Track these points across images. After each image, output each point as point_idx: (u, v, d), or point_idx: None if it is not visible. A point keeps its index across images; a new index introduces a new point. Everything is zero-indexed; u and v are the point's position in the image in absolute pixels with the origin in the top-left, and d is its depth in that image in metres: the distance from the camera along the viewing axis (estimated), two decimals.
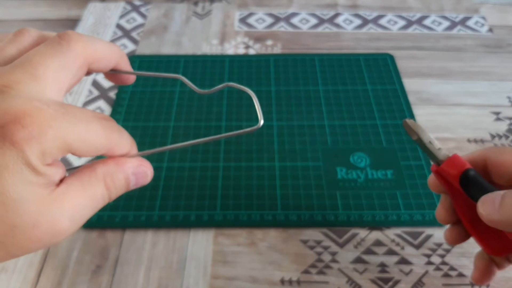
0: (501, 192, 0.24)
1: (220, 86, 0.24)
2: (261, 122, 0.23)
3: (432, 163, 0.26)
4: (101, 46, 0.22)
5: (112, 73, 0.24)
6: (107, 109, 0.47)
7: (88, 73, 0.23)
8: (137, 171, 0.22)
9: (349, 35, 0.56)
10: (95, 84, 0.50)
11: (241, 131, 0.23)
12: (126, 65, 0.24)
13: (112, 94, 0.48)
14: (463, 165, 0.25)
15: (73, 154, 0.19)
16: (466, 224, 0.27)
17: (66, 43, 0.20)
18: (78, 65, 0.21)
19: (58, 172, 0.19)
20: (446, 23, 0.57)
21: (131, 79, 0.25)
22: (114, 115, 0.45)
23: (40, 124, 0.17)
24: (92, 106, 0.47)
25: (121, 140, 0.21)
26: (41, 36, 0.22)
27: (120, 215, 0.37)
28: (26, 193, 0.17)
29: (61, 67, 0.20)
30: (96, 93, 0.49)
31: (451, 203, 0.28)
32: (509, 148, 0.27)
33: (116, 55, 0.23)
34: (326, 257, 0.35)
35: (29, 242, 0.18)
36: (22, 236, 0.18)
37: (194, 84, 0.25)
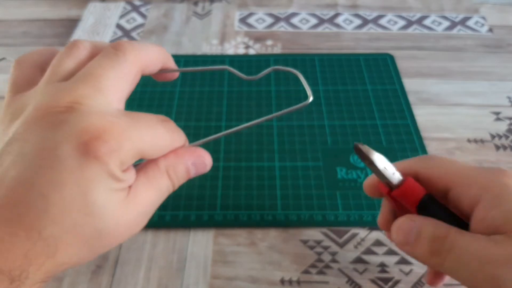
0: (417, 222, 0.23)
1: (267, 70, 0.26)
2: (310, 98, 0.24)
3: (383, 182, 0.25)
4: (151, 51, 0.23)
5: (160, 73, 0.25)
6: None
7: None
8: (196, 161, 0.24)
9: (349, 35, 0.56)
10: None
11: (292, 108, 0.24)
12: (171, 64, 0.26)
13: None
14: (419, 191, 0.23)
15: (144, 158, 0.21)
16: None
17: (122, 54, 0.22)
18: (134, 73, 0.22)
19: (132, 175, 0.21)
20: (446, 23, 0.57)
21: (175, 75, 0.27)
22: None
23: (118, 137, 0.19)
24: None
25: (179, 137, 0.23)
26: (94, 47, 0.23)
27: None
28: (109, 200, 0.19)
29: (120, 77, 0.21)
30: None
31: (392, 210, 0.27)
32: (436, 159, 0.25)
33: (163, 57, 0.24)
34: (326, 257, 0.35)
35: (112, 241, 0.20)
36: (107, 237, 0.19)
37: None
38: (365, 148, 0.24)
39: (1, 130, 0.20)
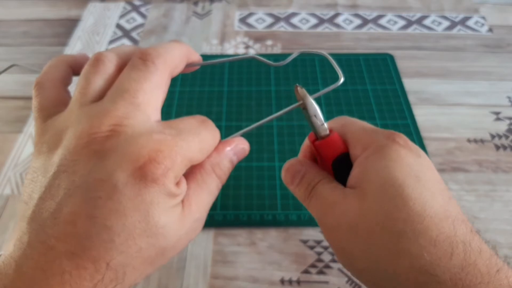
0: (304, 168, 0.25)
1: (294, 54, 0.27)
2: (342, 79, 0.25)
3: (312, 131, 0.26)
4: (176, 53, 0.23)
5: (186, 68, 0.25)
6: None
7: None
8: (236, 150, 0.24)
9: (349, 35, 0.56)
10: None
11: (325, 89, 0.25)
12: (194, 56, 0.25)
13: None
14: (338, 149, 0.24)
15: (193, 164, 0.21)
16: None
17: (151, 63, 0.21)
18: (166, 80, 0.22)
19: (185, 186, 0.21)
20: (446, 23, 0.57)
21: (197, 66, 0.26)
22: None
23: (170, 154, 0.19)
24: None
25: (218, 134, 0.23)
26: (119, 58, 0.22)
27: None
28: (170, 217, 0.19)
29: (155, 88, 0.21)
30: None
31: (313, 153, 0.28)
32: (345, 119, 0.26)
33: (186, 53, 0.24)
34: (326, 257, 0.35)
35: (174, 253, 0.20)
36: (170, 251, 0.20)
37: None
38: (302, 91, 0.25)
39: (42, 161, 0.19)
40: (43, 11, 0.60)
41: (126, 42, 0.55)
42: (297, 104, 0.25)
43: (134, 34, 0.56)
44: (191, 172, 0.22)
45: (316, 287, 0.33)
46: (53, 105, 0.22)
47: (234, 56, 0.26)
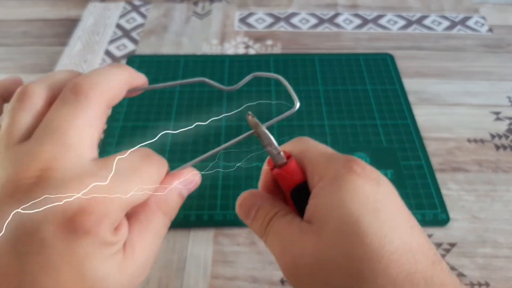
0: (259, 202, 0.23)
1: (247, 78, 0.24)
2: (297, 104, 0.23)
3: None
4: (113, 81, 0.20)
5: (130, 93, 0.23)
6: None
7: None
8: (186, 182, 0.22)
9: (349, 35, 0.56)
10: (108, 53, 0.51)
11: (278, 117, 0.23)
12: (138, 79, 0.22)
13: (123, 62, 0.49)
14: (296, 178, 0.23)
15: (134, 205, 0.19)
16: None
17: (83, 97, 0.19)
18: (101, 114, 0.20)
19: (125, 230, 0.19)
20: (446, 23, 0.58)
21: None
22: (114, 115, 0.45)
23: (104, 202, 0.17)
24: None
25: (164, 166, 0.21)
26: (49, 90, 0.20)
27: None
28: (108, 268, 0.17)
29: (89, 124, 0.19)
30: (109, 61, 0.53)
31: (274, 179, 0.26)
32: (303, 141, 0.25)
33: (127, 80, 0.21)
34: None
35: None
36: None
37: (195, 84, 0.24)
38: (253, 121, 0.23)
39: None
40: (43, 11, 0.60)
41: (126, 42, 0.55)
42: (249, 132, 0.23)
43: (134, 34, 0.56)
44: (134, 212, 0.20)
45: None
46: None
47: (182, 80, 0.24)
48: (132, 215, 0.20)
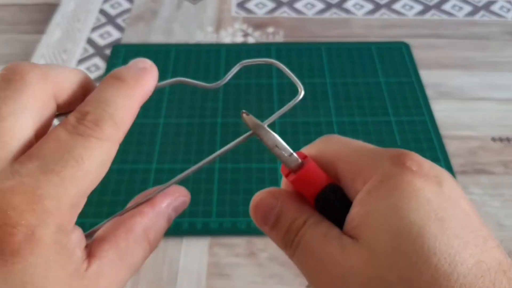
0: (280, 203, 0.20)
1: (234, 69, 0.22)
2: (302, 93, 0.21)
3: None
4: (63, 72, 0.19)
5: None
6: (102, 65, 0.51)
7: (58, 111, 0.19)
8: (176, 204, 0.21)
9: (359, 22, 0.56)
10: (90, 42, 0.53)
11: (282, 109, 0.21)
12: (91, 88, 0.21)
13: (108, 52, 0.52)
14: (320, 180, 0.20)
15: (90, 192, 0.17)
16: None
17: (19, 77, 0.17)
18: (42, 102, 0.18)
19: (82, 242, 0.17)
20: (468, 8, 0.57)
21: None
22: None
23: (32, 207, 0.15)
24: (87, 64, 0.51)
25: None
26: None
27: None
28: None
29: (20, 110, 0.17)
30: (91, 50, 0.53)
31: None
32: (331, 139, 0.22)
33: (81, 79, 0.19)
34: None
35: None
36: None
37: (190, 79, 0.23)
38: (251, 120, 0.21)
39: None
40: None
41: (110, 29, 0.55)
42: (248, 134, 0.21)
43: (119, 21, 0.56)
44: (113, 236, 0.18)
45: None
46: None
47: (159, 83, 0.21)
48: (111, 232, 0.18)
